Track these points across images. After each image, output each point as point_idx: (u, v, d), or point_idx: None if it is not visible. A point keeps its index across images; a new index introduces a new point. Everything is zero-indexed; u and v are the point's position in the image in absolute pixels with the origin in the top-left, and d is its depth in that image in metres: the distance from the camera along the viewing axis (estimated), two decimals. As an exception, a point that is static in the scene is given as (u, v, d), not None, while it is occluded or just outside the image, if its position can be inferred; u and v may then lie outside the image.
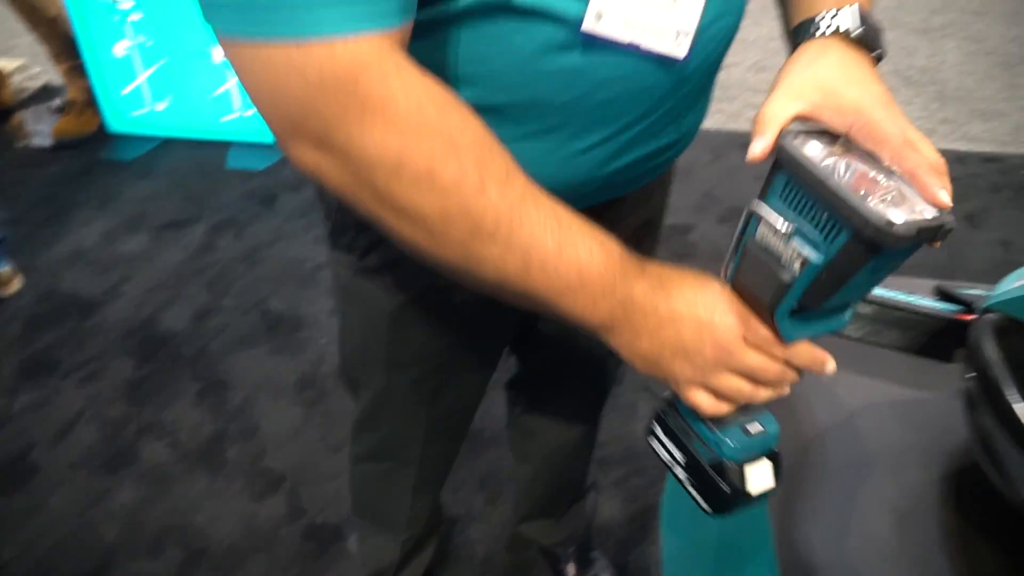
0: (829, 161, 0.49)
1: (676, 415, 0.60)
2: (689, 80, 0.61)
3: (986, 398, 0.68)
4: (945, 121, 2.99)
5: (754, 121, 0.52)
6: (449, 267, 0.52)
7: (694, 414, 0.58)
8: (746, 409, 0.58)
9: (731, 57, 2.81)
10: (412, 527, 1.11)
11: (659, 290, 0.54)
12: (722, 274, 0.56)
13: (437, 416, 0.92)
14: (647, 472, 1.56)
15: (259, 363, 1.79)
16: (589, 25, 0.53)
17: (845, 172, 0.48)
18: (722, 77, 2.94)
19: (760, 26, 3.74)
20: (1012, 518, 0.72)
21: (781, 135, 0.50)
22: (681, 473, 0.60)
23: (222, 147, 2.53)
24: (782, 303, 0.51)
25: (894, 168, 0.50)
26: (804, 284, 0.49)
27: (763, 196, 0.51)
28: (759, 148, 0.51)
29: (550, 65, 0.55)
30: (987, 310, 0.72)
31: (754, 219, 0.51)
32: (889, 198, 0.47)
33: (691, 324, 0.54)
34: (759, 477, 0.58)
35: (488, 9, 0.52)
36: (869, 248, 0.45)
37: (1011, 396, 0.66)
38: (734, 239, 0.53)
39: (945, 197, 0.48)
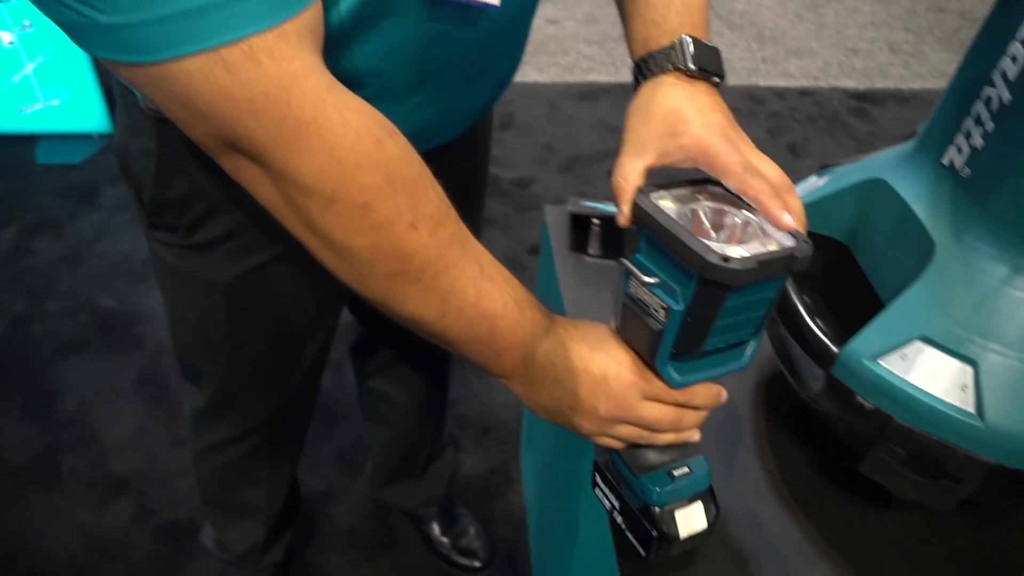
0: (686, 209, 0.50)
1: (611, 463, 0.61)
2: (505, 27, 0.61)
3: (777, 309, 0.71)
4: (765, 60, 3.14)
5: (612, 189, 0.53)
6: (366, 296, 0.51)
7: (623, 461, 0.59)
8: (674, 452, 0.60)
9: (564, 11, 2.81)
10: (272, 507, 1.07)
11: (559, 348, 0.55)
12: (611, 325, 0.56)
13: (287, 391, 0.88)
14: (505, 425, 1.57)
15: (91, 366, 1.66)
16: None
17: (695, 218, 0.49)
18: (555, 32, 2.94)
19: (588, -19, 3.79)
20: (810, 416, 0.77)
21: (636, 195, 0.51)
22: (619, 518, 0.61)
23: (29, 141, 2.31)
24: (659, 352, 0.52)
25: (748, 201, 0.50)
26: (673, 331, 0.50)
27: (631, 251, 0.52)
28: (622, 218, 0.52)
29: (381, 31, 0.53)
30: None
31: (625, 274, 0.52)
32: (746, 235, 0.48)
33: (586, 381, 0.55)
34: (689, 520, 0.60)
35: None
36: (720, 288, 0.46)
37: (797, 305, 0.69)
38: (615, 293, 0.54)
39: (789, 219, 0.48)
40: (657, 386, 0.55)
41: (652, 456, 0.60)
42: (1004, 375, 0.55)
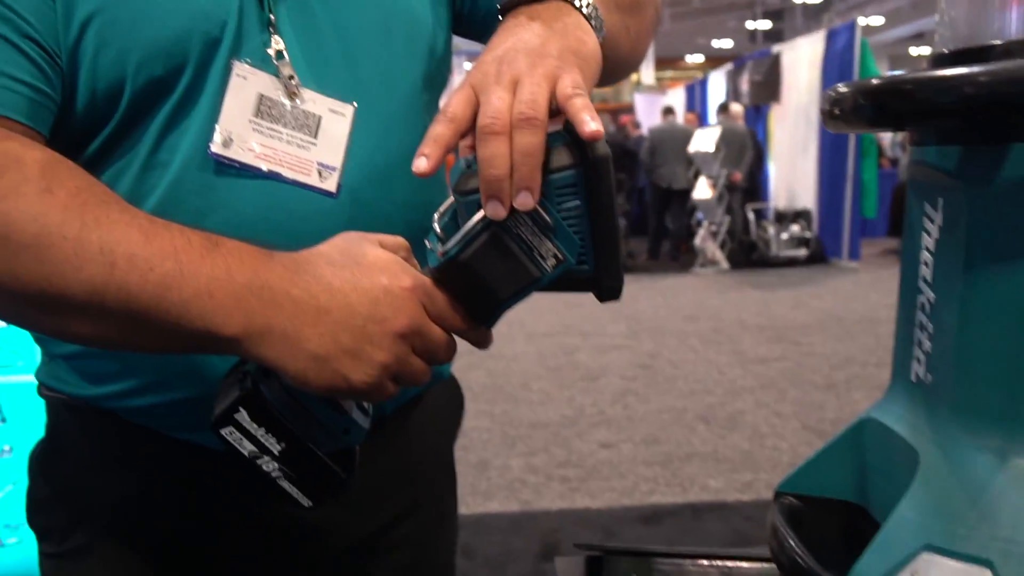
0: None
1: (281, 393, 0.62)
2: (359, 216, 0.74)
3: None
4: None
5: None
6: (34, 298, 0.59)
7: (312, 394, 0.62)
8: None
9: (619, 434, 3.15)
10: None
11: (304, 273, 0.61)
12: (439, 252, 0.62)
13: None
14: None
15: None
16: (217, 149, 0.70)
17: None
18: (610, 455, 3.25)
19: (648, 402, 4.20)
20: None
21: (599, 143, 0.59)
22: (271, 466, 0.62)
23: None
24: (516, 298, 0.62)
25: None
26: (552, 279, 0.61)
27: (549, 170, 0.60)
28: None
29: (192, 183, 0.70)
30: (777, 496, 0.86)
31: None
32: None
33: (362, 298, 0.60)
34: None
35: (121, 133, 0.69)
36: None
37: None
38: (470, 223, 0.60)
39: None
40: (442, 304, 0.61)
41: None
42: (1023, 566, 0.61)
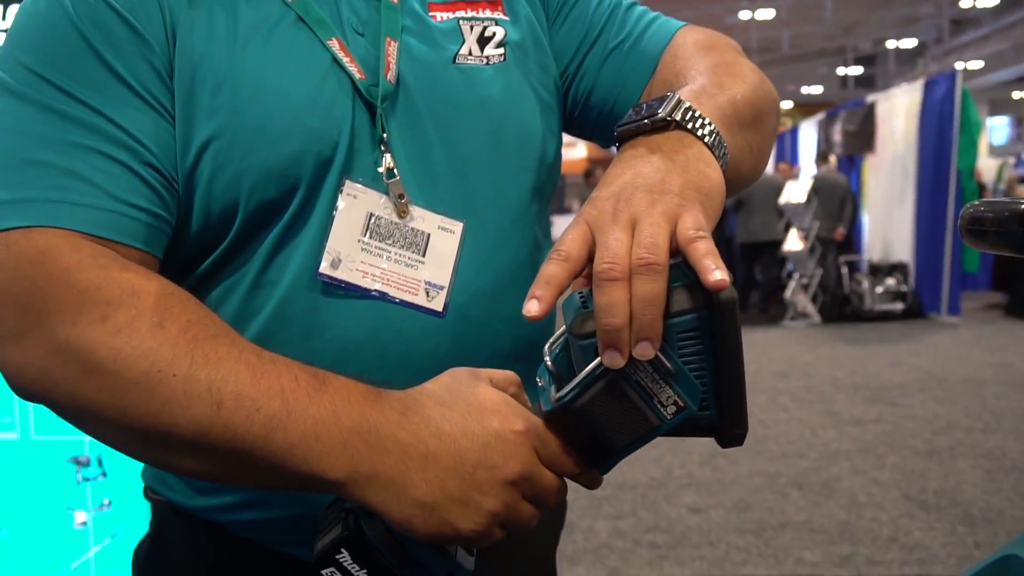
0: None
1: (384, 535, 0.60)
2: (466, 335, 0.73)
3: None
4: (979, 545, 3.14)
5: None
6: (141, 434, 0.59)
7: (411, 540, 0.60)
8: None
9: (709, 498, 3.10)
10: None
11: (411, 415, 0.59)
12: (552, 398, 0.59)
13: None
14: None
15: None
16: (325, 270, 0.69)
17: None
18: (699, 521, 3.18)
19: (738, 465, 4.09)
20: None
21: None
22: None
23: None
24: (632, 447, 0.59)
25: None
26: (671, 426, 0.58)
27: (669, 315, 0.57)
28: (536, 309, 0.56)
29: (299, 303, 0.70)
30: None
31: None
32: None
33: (472, 443, 0.58)
34: None
35: (232, 253, 0.70)
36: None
37: None
38: (587, 369, 0.57)
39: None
40: (554, 449, 0.59)
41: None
42: None
